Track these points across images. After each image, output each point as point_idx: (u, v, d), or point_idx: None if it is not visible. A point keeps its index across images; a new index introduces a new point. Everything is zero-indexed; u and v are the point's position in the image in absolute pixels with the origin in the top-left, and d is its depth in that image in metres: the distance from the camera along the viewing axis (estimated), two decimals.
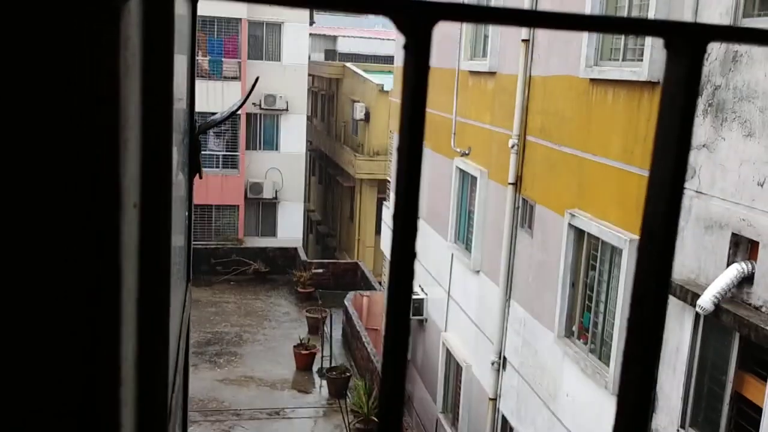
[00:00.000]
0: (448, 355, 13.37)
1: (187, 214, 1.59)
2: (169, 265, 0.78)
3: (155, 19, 0.66)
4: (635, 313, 0.51)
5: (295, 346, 18.05)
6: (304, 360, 17.83)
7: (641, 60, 7.65)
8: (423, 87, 0.49)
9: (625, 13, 8.13)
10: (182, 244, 1.60)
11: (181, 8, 1.36)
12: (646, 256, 0.50)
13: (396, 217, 0.53)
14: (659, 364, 5.46)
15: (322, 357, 17.68)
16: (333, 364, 17.36)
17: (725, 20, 6.33)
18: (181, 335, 1.29)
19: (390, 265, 0.51)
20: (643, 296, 0.54)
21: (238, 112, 25.40)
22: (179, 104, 1.45)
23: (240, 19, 25.51)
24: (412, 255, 0.51)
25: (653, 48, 7.27)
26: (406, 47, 0.49)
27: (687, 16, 6.77)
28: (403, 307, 0.50)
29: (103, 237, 0.48)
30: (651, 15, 7.34)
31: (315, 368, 17.84)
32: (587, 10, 8.54)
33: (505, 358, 11.01)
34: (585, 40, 8.60)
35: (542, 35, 9.89)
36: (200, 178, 1.64)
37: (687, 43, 0.53)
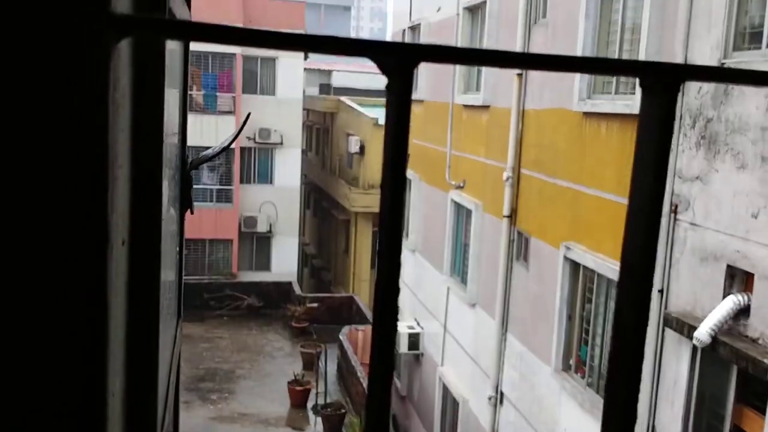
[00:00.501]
0: (445, 389, 13.25)
1: (178, 249, 1.59)
2: (158, 301, 0.78)
3: (146, 59, 0.67)
4: (616, 344, 0.51)
5: (289, 382, 17.86)
6: (299, 396, 17.63)
7: (633, 93, 7.74)
8: (405, 125, 0.50)
9: (616, 48, 8.25)
10: (173, 279, 1.60)
11: (172, 43, 1.38)
12: (626, 289, 0.51)
13: (380, 254, 0.53)
14: (655, 397, 5.39)
15: (317, 393, 17.50)
16: (328, 401, 17.17)
17: (715, 54, 6.41)
18: (171, 371, 1.28)
19: (374, 302, 0.52)
20: (624, 328, 0.55)
21: (232, 146, 25.50)
22: (171, 139, 1.47)
23: (234, 54, 25.76)
24: (396, 291, 0.52)
25: None
26: (388, 88, 0.51)
27: (678, 51, 6.87)
28: (388, 349, 0.50)
29: (91, 274, 0.48)
30: (642, 49, 7.44)
31: (310, 405, 17.63)
32: (579, 45, 8.66)
33: (502, 393, 10.92)
34: (578, 74, 8.71)
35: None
36: (191, 213, 1.64)
37: (661, 82, 0.54)
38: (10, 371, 0.52)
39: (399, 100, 0.52)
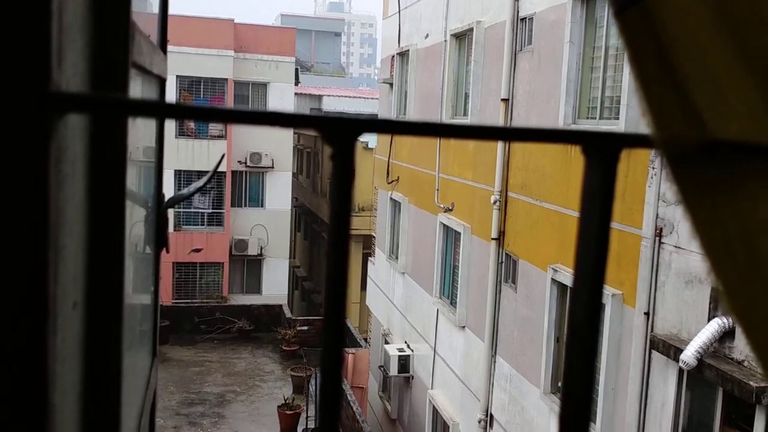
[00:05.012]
0: (435, 412, 13.18)
1: (153, 288, 1.59)
2: (119, 356, 0.78)
3: (103, 129, 0.68)
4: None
5: (279, 406, 17.73)
6: (289, 420, 17.49)
7: (617, 118, 7.82)
8: (348, 191, 0.52)
9: (600, 73, 8.34)
10: (149, 316, 1.60)
11: (145, 91, 1.39)
12: (573, 353, 0.52)
13: (325, 319, 0.54)
14: (643, 419, 5.39)
15: (307, 417, 17.37)
16: (318, 425, 17.01)
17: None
18: (143, 414, 1.27)
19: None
20: (572, 393, 0.55)
21: (224, 169, 25.52)
22: (147, 178, 1.47)
23: (226, 79, 25.86)
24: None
25: (629, 107, 7.44)
26: (332, 157, 0.52)
27: None
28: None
29: (32, 341, 0.49)
30: (626, 74, 7.52)
31: (300, 429, 17.49)
32: (564, 71, 8.74)
33: (491, 416, 10.87)
34: (563, 98, 8.79)
35: (521, 94, 10.09)
36: (167, 252, 1.65)
37: (601, 150, 0.55)
38: None
39: (342, 167, 0.53)
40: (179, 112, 0.49)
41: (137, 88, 1.13)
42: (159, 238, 1.56)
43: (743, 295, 0.51)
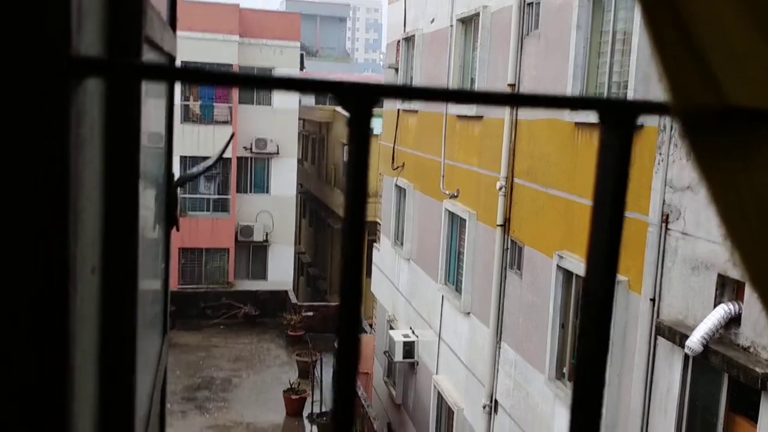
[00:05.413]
0: (440, 398, 13.24)
1: (164, 265, 1.60)
2: (134, 324, 0.79)
3: (120, 89, 0.69)
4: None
5: (285, 391, 17.84)
6: (295, 405, 17.60)
7: None
8: (365, 158, 0.52)
9: (607, 58, 8.30)
10: (159, 296, 1.61)
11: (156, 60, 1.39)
12: (589, 302, 0.52)
13: (341, 290, 0.55)
14: (648, 405, 5.40)
15: (313, 401, 17.47)
16: (324, 409, 17.14)
17: None
18: (154, 389, 1.28)
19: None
20: (583, 372, 0.56)
21: (229, 156, 25.52)
22: (155, 161, 1.48)
23: (231, 65, 25.81)
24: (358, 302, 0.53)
25: (635, 92, 7.40)
26: (349, 123, 0.53)
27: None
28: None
29: (53, 304, 0.49)
30: (633, 59, 7.48)
31: (305, 413, 17.60)
32: (571, 55, 8.70)
33: (496, 401, 10.92)
34: (570, 84, 8.76)
35: (528, 80, 10.05)
36: (177, 230, 1.65)
37: (618, 117, 0.56)
38: None
39: (359, 134, 0.54)
40: (196, 76, 0.49)
41: (153, 55, 1.13)
42: (169, 217, 1.57)
43: (758, 259, 0.52)
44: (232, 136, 3.18)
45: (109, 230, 0.69)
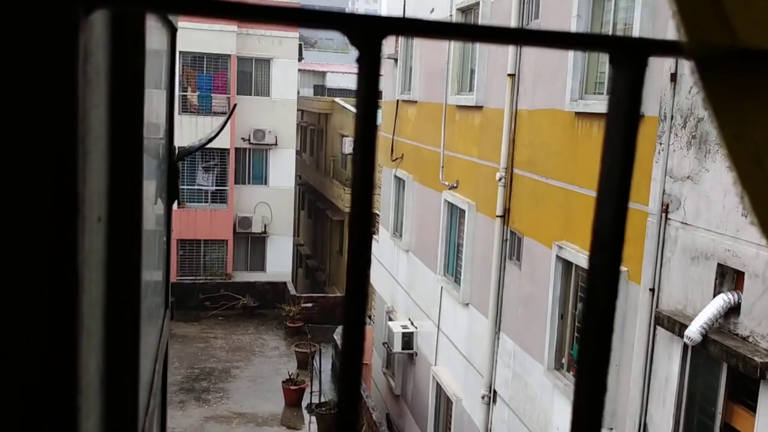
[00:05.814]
0: (438, 389, 13.26)
1: (165, 239, 1.59)
2: (139, 281, 0.78)
3: (125, 36, 0.68)
4: (587, 321, 0.52)
5: (284, 382, 17.87)
6: (293, 396, 17.63)
7: None
8: (374, 96, 0.51)
9: (610, 29, 8.27)
10: (161, 269, 1.61)
11: (157, 40, 1.38)
12: (597, 268, 0.52)
13: (351, 233, 0.54)
14: (646, 395, 5.40)
15: (312, 392, 17.50)
16: (323, 400, 17.18)
17: None
18: (157, 359, 1.28)
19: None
20: (595, 305, 0.55)
21: (227, 147, 25.48)
22: (157, 132, 1.47)
23: (229, 55, 25.75)
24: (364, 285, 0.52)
25: None
26: (358, 60, 0.52)
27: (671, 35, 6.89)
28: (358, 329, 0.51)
29: (61, 244, 0.49)
30: (636, 30, 7.45)
31: (304, 404, 17.63)
32: (569, 72, 8.67)
33: (495, 392, 10.94)
34: (570, 74, 8.74)
35: (528, 70, 10.03)
36: (179, 204, 1.65)
37: (629, 56, 0.55)
38: None
39: (368, 71, 0.53)
40: (203, 6, 0.48)
41: (152, 34, 1.12)
42: (171, 190, 1.57)
43: None
44: (234, 107, 3.15)
45: (115, 182, 0.68)
